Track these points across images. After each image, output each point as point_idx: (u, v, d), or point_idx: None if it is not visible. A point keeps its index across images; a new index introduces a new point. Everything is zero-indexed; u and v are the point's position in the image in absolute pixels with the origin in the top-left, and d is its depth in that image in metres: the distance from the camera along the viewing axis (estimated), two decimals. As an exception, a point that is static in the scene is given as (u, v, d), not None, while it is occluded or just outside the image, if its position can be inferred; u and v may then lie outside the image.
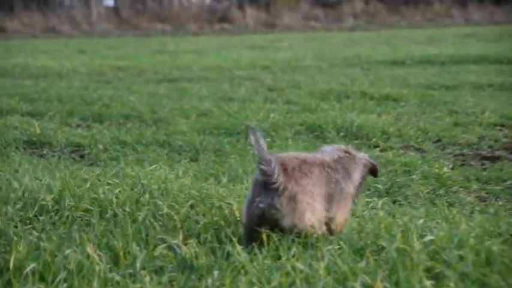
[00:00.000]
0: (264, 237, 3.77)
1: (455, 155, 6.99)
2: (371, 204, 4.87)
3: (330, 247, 3.73)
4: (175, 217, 4.38)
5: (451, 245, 3.60)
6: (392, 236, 3.80)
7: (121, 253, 3.77)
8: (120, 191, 4.89)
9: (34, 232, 4.17)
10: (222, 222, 4.26)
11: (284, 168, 3.79)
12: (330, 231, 3.94)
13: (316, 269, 3.42)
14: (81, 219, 4.50)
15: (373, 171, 4.30)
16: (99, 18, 38.47)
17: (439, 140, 7.63)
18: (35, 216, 4.56)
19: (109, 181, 5.23)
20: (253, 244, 3.77)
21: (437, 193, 5.58)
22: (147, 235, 4.10)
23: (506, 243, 3.78)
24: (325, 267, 3.43)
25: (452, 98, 10.53)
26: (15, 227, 4.29)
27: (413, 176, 5.98)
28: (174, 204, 4.61)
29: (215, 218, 4.31)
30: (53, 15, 37.58)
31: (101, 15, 39.04)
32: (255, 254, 3.65)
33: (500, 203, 5.25)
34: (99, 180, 5.27)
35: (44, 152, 7.54)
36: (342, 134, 7.83)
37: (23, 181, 5.13)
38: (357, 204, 4.41)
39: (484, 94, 11.20)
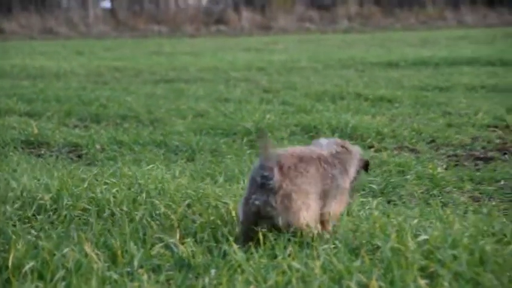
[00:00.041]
0: (260, 236, 3.80)
1: (449, 156, 7.02)
2: (367, 206, 4.90)
3: (325, 246, 3.76)
4: (172, 216, 4.40)
5: (445, 245, 3.63)
6: (387, 235, 3.83)
7: (119, 252, 3.79)
8: (117, 191, 4.90)
9: (32, 231, 4.18)
10: (219, 222, 4.28)
11: (280, 166, 3.84)
12: (324, 224, 3.98)
13: (312, 268, 3.44)
14: (79, 218, 4.52)
15: (365, 166, 4.39)
16: (96, 20, 38.46)
17: (432, 141, 7.66)
18: (33, 215, 4.57)
19: (106, 181, 5.24)
20: (250, 243, 3.81)
21: (431, 193, 5.59)
22: (144, 234, 4.12)
23: (500, 242, 3.81)
24: (320, 266, 3.46)
25: (446, 99, 10.54)
26: (14, 226, 4.30)
27: (408, 177, 6.00)
28: (171, 203, 4.63)
29: (212, 218, 4.34)
30: (50, 17, 37.55)
31: (98, 17, 39.03)
32: (252, 253, 3.68)
33: (494, 203, 5.27)
34: (97, 180, 5.28)
35: (42, 152, 7.56)
36: (336, 134, 7.85)
37: (21, 180, 5.14)
38: (351, 204, 4.46)
39: (477, 96, 11.23)
